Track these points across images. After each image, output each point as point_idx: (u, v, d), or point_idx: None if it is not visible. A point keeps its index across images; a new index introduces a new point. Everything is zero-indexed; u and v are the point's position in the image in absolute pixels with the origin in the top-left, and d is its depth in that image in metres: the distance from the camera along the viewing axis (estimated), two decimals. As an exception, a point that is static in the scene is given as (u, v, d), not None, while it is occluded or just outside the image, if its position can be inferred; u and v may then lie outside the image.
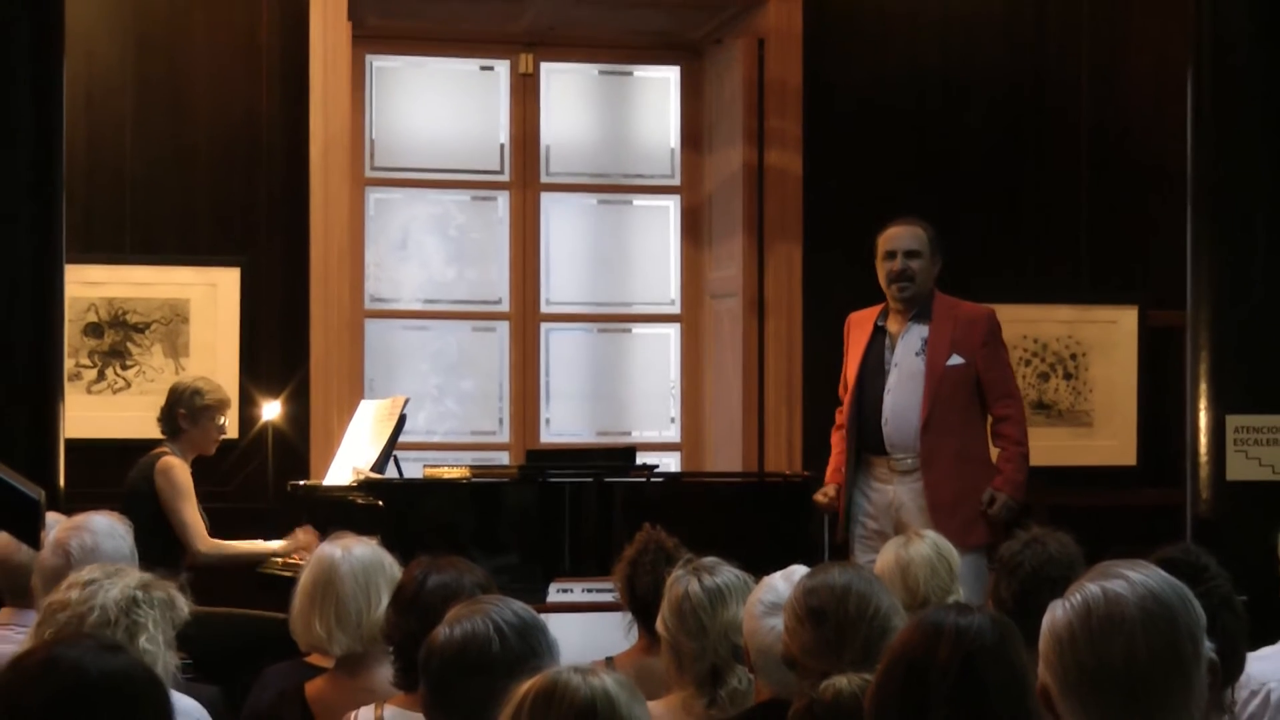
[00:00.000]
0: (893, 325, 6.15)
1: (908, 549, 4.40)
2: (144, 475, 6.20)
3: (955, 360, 6.06)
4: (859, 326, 6.24)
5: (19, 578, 4.32)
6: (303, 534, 6.31)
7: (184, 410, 6.28)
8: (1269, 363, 5.87)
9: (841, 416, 6.31)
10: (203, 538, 6.17)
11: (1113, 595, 2.37)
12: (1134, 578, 2.39)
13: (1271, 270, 5.88)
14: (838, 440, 6.33)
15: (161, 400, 6.37)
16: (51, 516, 4.38)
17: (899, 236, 6.14)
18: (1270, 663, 3.84)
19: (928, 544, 4.41)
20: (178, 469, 6.19)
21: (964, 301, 6.23)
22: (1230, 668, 3.25)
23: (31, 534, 3.93)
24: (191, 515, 6.17)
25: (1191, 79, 6.04)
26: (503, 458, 7.66)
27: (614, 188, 7.93)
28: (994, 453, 6.16)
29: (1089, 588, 2.40)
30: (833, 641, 3.14)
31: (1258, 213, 5.91)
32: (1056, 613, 2.42)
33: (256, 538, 6.37)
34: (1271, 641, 3.92)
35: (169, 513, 6.14)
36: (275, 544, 6.31)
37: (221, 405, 6.37)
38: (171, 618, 3.45)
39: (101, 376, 6.86)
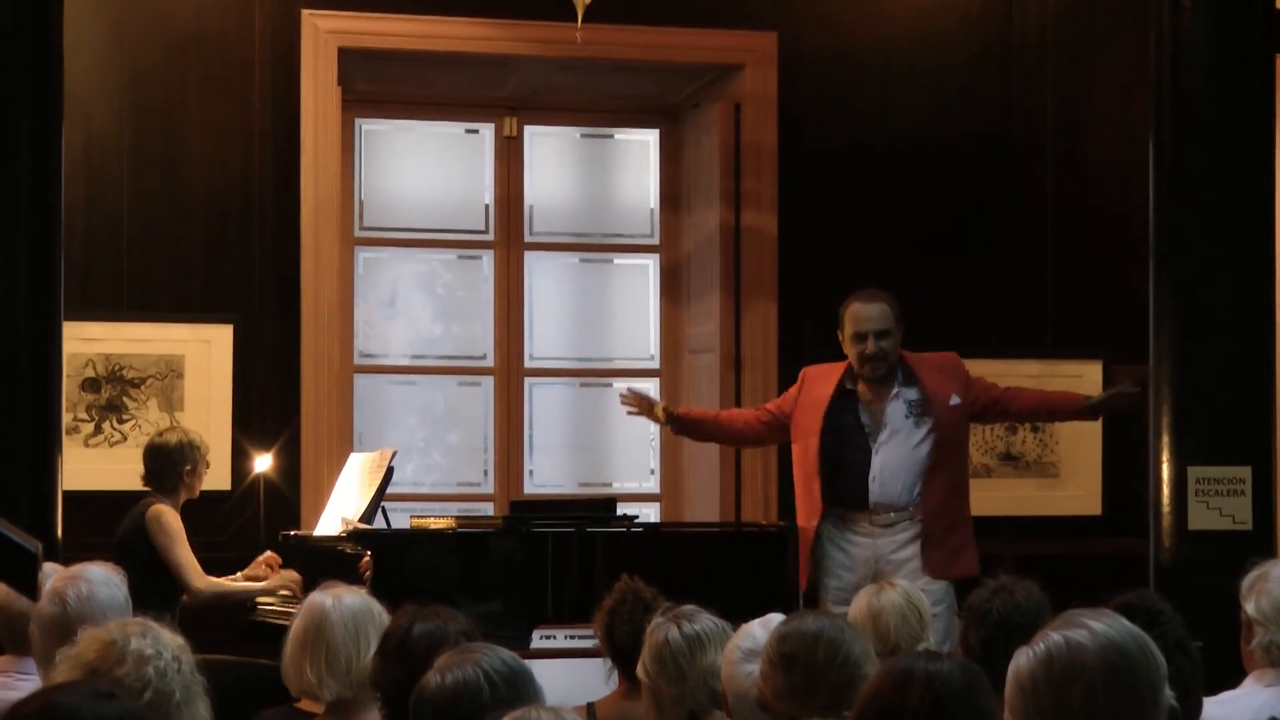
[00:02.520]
0: (867, 392, 6.20)
1: (879, 597, 4.42)
2: (135, 524, 6.25)
3: (955, 400, 6.18)
4: (816, 383, 6.27)
5: (18, 626, 4.35)
6: (262, 563, 6.45)
7: (189, 466, 6.32)
8: (1228, 416, 5.93)
9: (757, 410, 6.48)
10: (199, 575, 6.23)
11: (1074, 644, 2.44)
12: (1096, 627, 2.47)
13: (1231, 327, 5.95)
14: (735, 412, 6.61)
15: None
16: (49, 566, 4.39)
17: (868, 318, 6.16)
18: (1231, 707, 3.93)
19: (899, 593, 4.43)
20: (169, 514, 6.24)
21: (926, 354, 6.32)
22: (1186, 710, 3.23)
23: (29, 585, 3.97)
24: (186, 556, 6.21)
25: (1153, 139, 6.11)
26: (487, 508, 7.68)
27: (595, 247, 7.98)
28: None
29: (1052, 636, 2.47)
30: (803, 687, 3.23)
31: (1217, 271, 5.97)
32: (1020, 660, 2.48)
33: (247, 581, 6.44)
34: (1232, 686, 4.05)
35: (163, 556, 6.19)
36: (258, 586, 6.37)
37: (208, 449, 6.45)
38: None
39: (99, 430, 6.90)
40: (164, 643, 3.22)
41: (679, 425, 6.45)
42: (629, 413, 6.52)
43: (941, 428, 6.15)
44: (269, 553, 6.55)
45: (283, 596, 6.35)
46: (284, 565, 6.53)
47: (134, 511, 6.31)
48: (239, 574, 6.51)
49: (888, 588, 4.50)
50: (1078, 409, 6.25)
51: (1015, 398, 6.29)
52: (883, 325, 6.16)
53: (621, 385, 7.87)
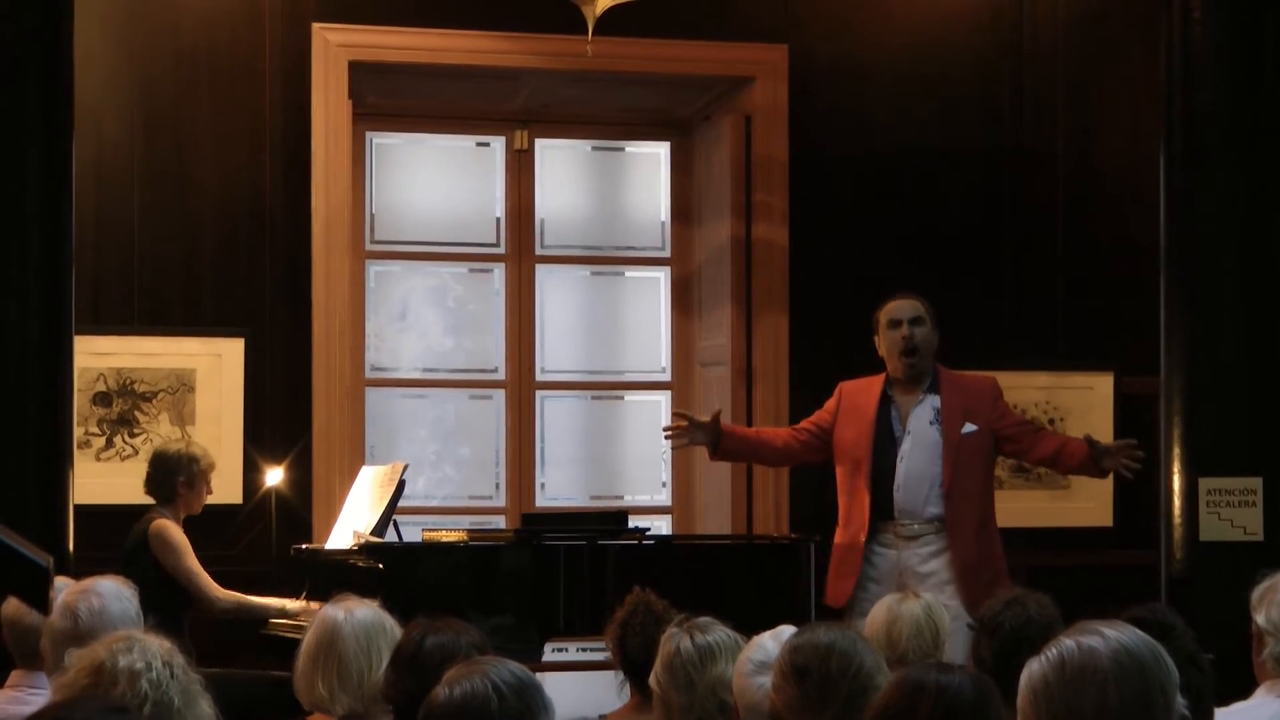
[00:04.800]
0: (900, 395, 6.17)
1: (900, 605, 4.44)
2: (138, 539, 6.27)
3: (969, 428, 6.09)
4: (857, 395, 6.22)
5: (29, 640, 4.37)
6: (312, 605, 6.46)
7: (184, 478, 6.34)
8: (1239, 427, 5.98)
9: (793, 430, 6.39)
10: (215, 588, 6.26)
11: (1087, 648, 2.46)
12: (1109, 634, 2.49)
13: (1240, 339, 6.00)
14: (771, 430, 6.55)
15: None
16: (60, 580, 4.37)
17: (903, 308, 6.17)
18: (1242, 717, 3.92)
19: (920, 605, 4.45)
20: (172, 530, 6.26)
21: (965, 372, 6.29)
22: None
23: (41, 600, 3.96)
24: (198, 571, 6.24)
25: (1163, 151, 6.16)
26: (499, 521, 7.69)
27: (606, 260, 7.99)
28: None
29: (1065, 641, 2.49)
30: (814, 699, 3.20)
31: (1227, 283, 6.02)
32: (1033, 666, 2.50)
33: (267, 598, 6.43)
34: (1244, 697, 4.03)
35: (175, 574, 6.21)
36: (290, 604, 6.37)
37: (212, 468, 6.45)
38: None
39: (110, 444, 6.91)
40: (152, 652, 3.24)
41: (721, 449, 6.32)
42: (676, 446, 6.44)
43: (952, 449, 6.08)
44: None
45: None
46: (295, 578, 6.53)
47: (137, 526, 6.33)
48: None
49: (911, 598, 4.52)
50: (1084, 458, 6.05)
51: (1037, 443, 6.15)
52: (916, 314, 6.16)
53: (633, 397, 7.91)
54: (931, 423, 6.13)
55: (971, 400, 6.16)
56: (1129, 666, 2.45)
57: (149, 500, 6.44)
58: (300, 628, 5.78)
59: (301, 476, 7.03)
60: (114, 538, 6.34)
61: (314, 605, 6.26)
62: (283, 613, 6.37)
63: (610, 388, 8.03)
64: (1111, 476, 7.44)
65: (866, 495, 6.11)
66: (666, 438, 6.43)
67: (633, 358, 8.04)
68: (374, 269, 7.74)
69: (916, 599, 4.49)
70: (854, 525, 6.17)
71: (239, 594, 6.36)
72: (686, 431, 6.29)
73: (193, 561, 6.26)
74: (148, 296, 7.00)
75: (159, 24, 7.04)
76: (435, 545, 6.31)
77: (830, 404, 6.31)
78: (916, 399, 6.17)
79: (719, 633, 3.84)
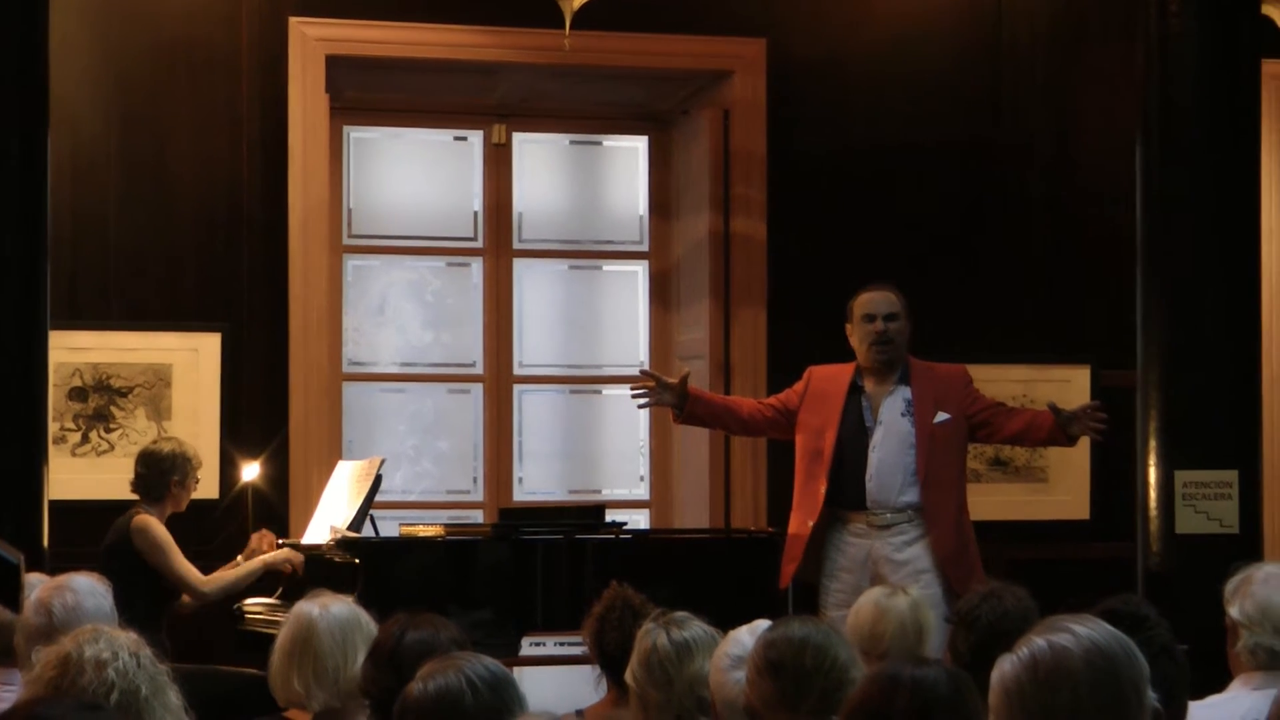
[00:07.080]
0: (871, 386, 6.17)
1: (888, 600, 4.45)
2: (120, 535, 6.25)
3: (942, 417, 6.11)
4: (825, 381, 6.23)
5: (2, 638, 4.33)
6: (256, 538, 6.46)
7: (178, 477, 6.34)
8: (1215, 420, 5.96)
9: (759, 403, 6.41)
10: (201, 580, 6.27)
11: (1059, 648, 2.45)
12: (1079, 631, 2.48)
13: (1218, 331, 5.98)
14: (739, 399, 6.60)
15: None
16: (35, 577, 4.40)
17: (877, 301, 6.17)
18: (1218, 711, 3.94)
19: (907, 602, 4.45)
20: (154, 525, 6.25)
21: (936, 363, 6.30)
22: (1172, 714, 3.25)
23: (11, 597, 3.96)
24: (182, 565, 6.24)
25: (1140, 145, 6.16)
26: (477, 516, 7.68)
27: (584, 254, 7.99)
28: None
29: (1036, 642, 2.48)
30: (790, 693, 3.23)
31: (1204, 277, 6.00)
32: (1005, 666, 2.49)
33: (243, 565, 6.43)
34: (1220, 690, 4.06)
35: (160, 571, 6.21)
36: (256, 562, 6.39)
37: (200, 464, 6.48)
38: None
39: (86, 439, 6.89)
40: (118, 643, 3.25)
41: (688, 413, 6.28)
42: (641, 405, 6.45)
43: (925, 438, 6.09)
44: (263, 530, 6.56)
45: (279, 605, 6.34)
46: (271, 573, 6.53)
47: (119, 522, 6.32)
48: (238, 558, 6.51)
49: (899, 594, 4.52)
50: (1052, 428, 6.08)
51: (1007, 422, 6.18)
52: (891, 309, 6.17)
53: (611, 391, 7.91)
54: (904, 414, 6.14)
55: (943, 389, 6.18)
56: (1101, 666, 2.45)
57: (124, 496, 6.42)
58: (278, 623, 5.77)
59: (278, 471, 7.02)
60: (89, 534, 6.34)
61: (293, 555, 6.33)
62: (263, 567, 6.37)
63: (589, 382, 8.03)
64: (1089, 471, 7.53)
65: (822, 484, 6.11)
66: (633, 397, 6.39)
67: (611, 352, 8.02)
68: (352, 263, 7.73)
69: (905, 595, 4.50)
70: (803, 512, 6.18)
71: (220, 574, 6.37)
72: (654, 392, 6.26)
73: (177, 556, 6.26)
74: (124, 291, 6.98)
75: (136, 17, 7.03)
76: (412, 540, 6.32)
77: (799, 386, 6.31)
78: (888, 390, 6.18)
79: (695, 628, 3.84)
